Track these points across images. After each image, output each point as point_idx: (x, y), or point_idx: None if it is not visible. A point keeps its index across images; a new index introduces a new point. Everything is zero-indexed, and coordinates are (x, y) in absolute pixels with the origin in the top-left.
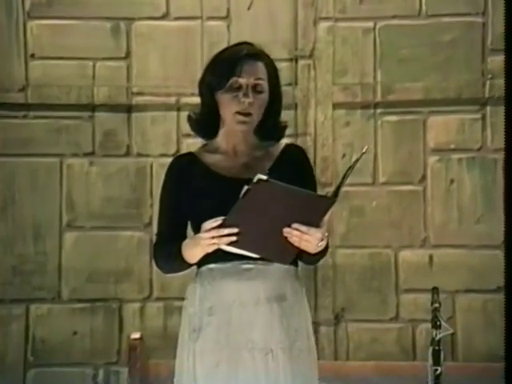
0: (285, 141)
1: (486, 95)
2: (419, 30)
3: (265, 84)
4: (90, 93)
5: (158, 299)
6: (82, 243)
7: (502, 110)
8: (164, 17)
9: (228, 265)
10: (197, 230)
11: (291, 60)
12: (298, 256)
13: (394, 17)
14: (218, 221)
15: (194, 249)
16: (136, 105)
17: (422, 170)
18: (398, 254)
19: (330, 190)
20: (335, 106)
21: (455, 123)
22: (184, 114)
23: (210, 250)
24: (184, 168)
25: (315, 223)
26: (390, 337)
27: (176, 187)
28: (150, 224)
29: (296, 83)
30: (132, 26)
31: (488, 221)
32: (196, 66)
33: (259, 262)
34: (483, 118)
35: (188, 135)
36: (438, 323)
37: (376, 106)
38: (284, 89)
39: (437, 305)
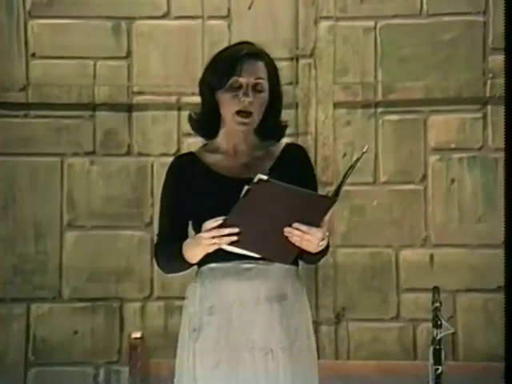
0: (285, 140)
1: (487, 94)
2: (420, 30)
3: (265, 83)
4: (91, 92)
5: (159, 298)
6: (83, 242)
7: (502, 109)
8: (165, 16)
9: (229, 264)
10: (197, 229)
11: (292, 59)
12: (298, 255)
13: (394, 16)
14: (219, 220)
15: (195, 248)
16: (137, 104)
17: (422, 169)
18: (399, 253)
19: (331, 189)
20: (336, 105)
21: (456, 122)
22: (185, 114)
23: (211, 249)
24: (184, 168)
25: (316, 223)
26: (390, 336)
27: (177, 187)
28: (150, 223)
29: (297, 82)
30: (133, 25)
31: (489, 220)
32: (197, 65)
33: (260, 261)
34: (484, 117)
35: (189, 134)
36: (439, 322)
37: (377, 105)
38: (285, 88)
39: (437, 304)
